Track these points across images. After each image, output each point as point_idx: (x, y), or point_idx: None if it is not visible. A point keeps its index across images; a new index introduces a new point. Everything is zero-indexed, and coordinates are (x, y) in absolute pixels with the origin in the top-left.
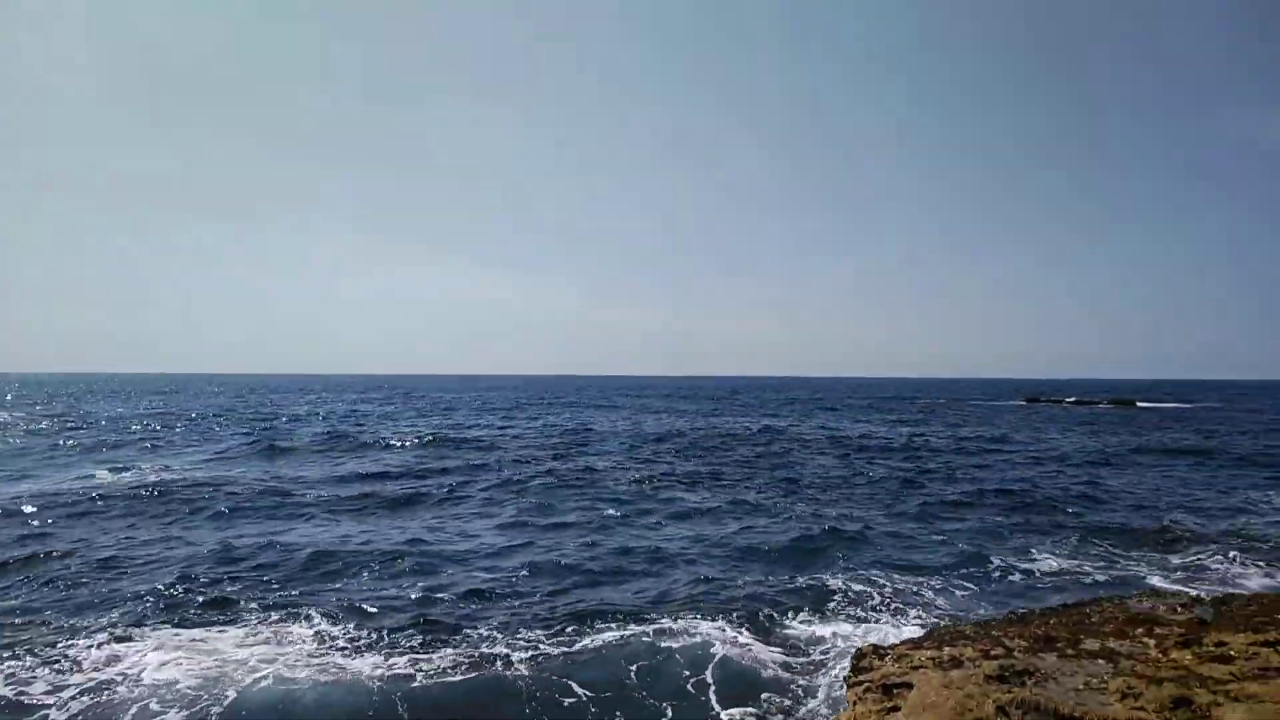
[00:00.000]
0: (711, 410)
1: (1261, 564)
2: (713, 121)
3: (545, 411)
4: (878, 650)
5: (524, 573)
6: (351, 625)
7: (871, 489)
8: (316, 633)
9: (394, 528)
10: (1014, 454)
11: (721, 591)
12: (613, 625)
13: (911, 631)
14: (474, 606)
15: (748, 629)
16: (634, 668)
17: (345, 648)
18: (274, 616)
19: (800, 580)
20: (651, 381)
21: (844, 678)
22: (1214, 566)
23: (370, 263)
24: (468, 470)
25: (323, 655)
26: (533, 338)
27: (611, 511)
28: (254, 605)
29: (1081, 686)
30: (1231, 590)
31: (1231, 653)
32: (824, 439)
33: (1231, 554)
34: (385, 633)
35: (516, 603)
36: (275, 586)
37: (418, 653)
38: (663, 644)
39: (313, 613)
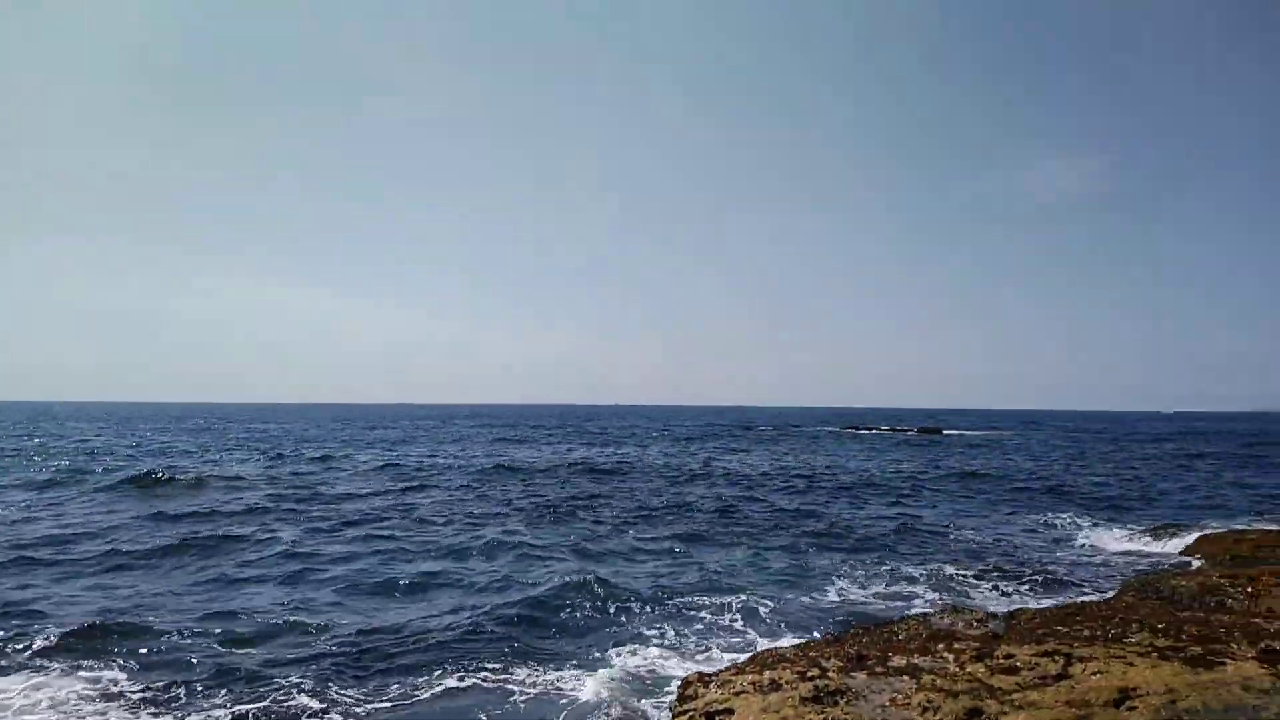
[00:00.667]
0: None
1: (1037, 579)
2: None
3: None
4: (703, 678)
5: None
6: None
7: (692, 515)
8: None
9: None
10: (824, 479)
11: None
12: (434, 673)
13: (736, 657)
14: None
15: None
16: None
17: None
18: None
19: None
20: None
21: (670, 706)
22: (996, 584)
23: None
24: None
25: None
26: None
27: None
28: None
29: (888, 703)
30: (1021, 605)
31: (1018, 664)
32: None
33: (1012, 570)
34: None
35: None
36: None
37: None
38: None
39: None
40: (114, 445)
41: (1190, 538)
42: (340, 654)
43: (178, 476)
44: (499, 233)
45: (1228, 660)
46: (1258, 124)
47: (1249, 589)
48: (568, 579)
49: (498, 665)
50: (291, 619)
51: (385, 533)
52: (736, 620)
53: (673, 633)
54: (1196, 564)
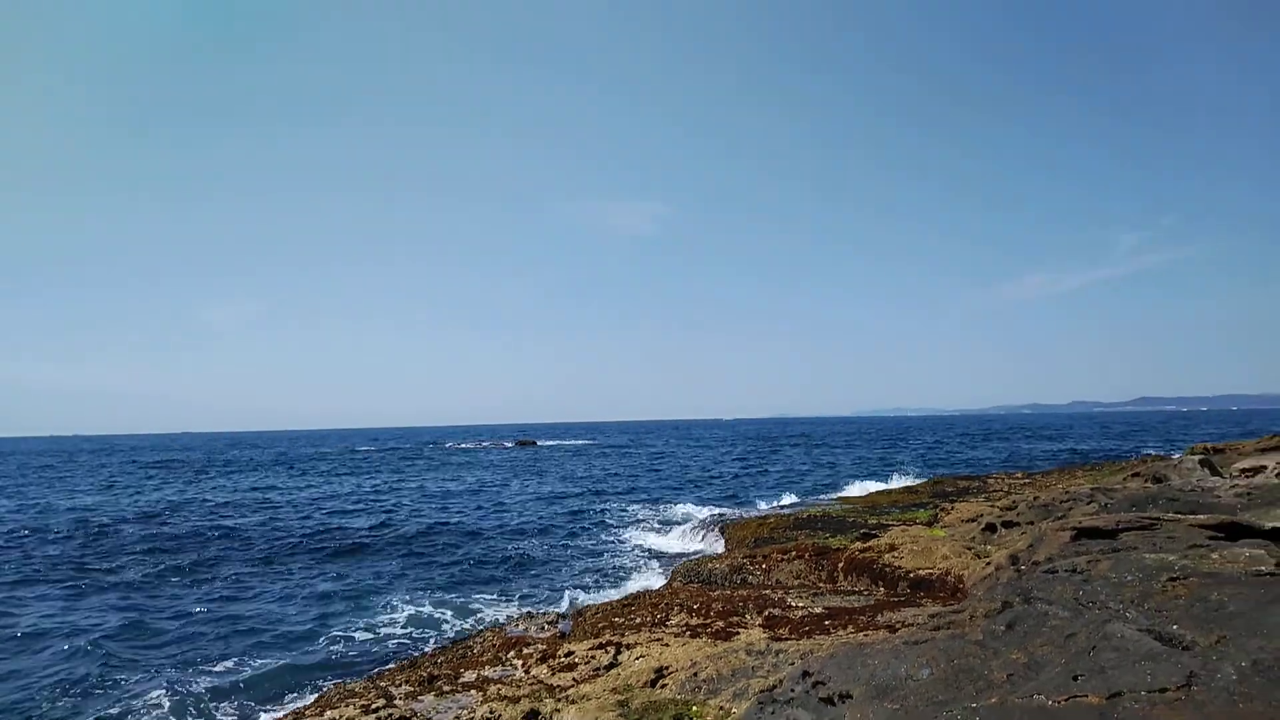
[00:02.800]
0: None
1: (608, 574)
2: None
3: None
4: None
5: None
6: None
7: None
8: None
9: None
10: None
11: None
12: None
13: (303, 702)
14: None
15: None
16: None
17: None
18: None
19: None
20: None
21: None
22: (571, 585)
23: None
24: None
25: None
26: None
27: None
28: None
29: None
30: (589, 602)
31: (576, 660)
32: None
33: (585, 568)
34: None
35: None
36: None
37: None
38: None
39: None
40: None
41: (722, 522)
42: None
43: None
44: None
45: (742, 630)
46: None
47: (764, 565)
48: None
49: None
50: None
51: None
52: (293, 659)
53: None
54: (729, 547)
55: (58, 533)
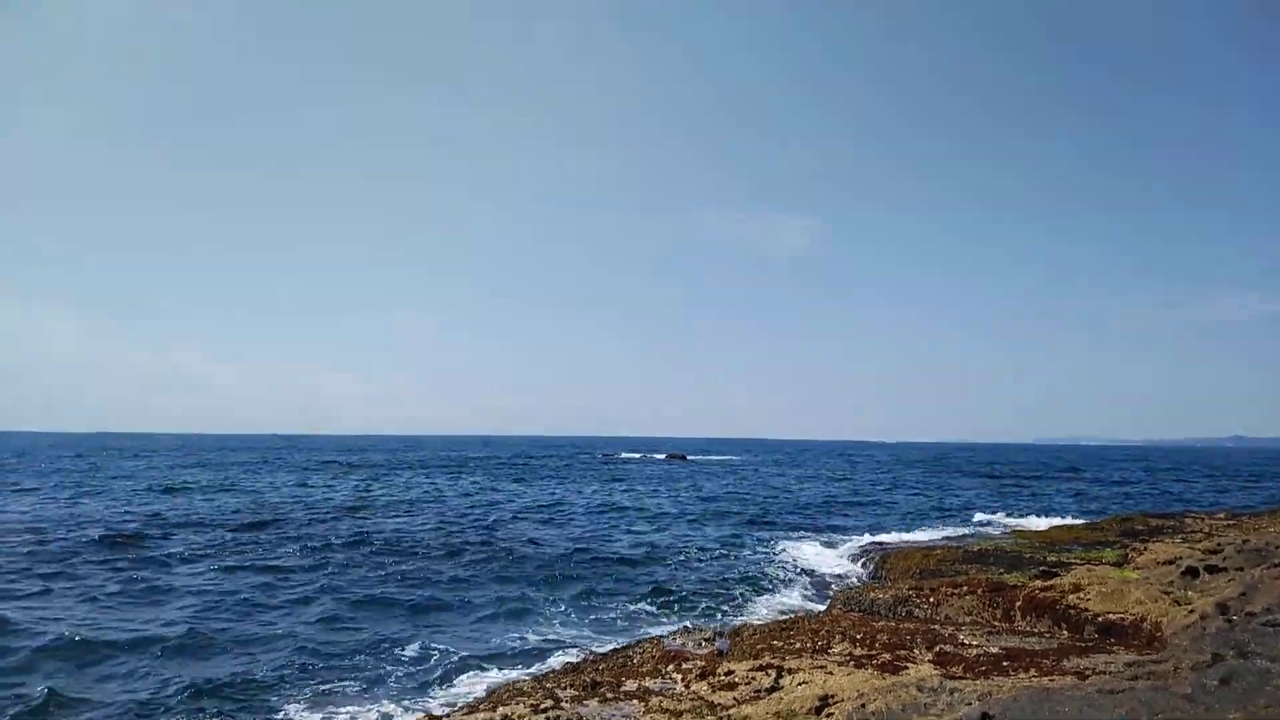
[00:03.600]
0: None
1: (760, 597)
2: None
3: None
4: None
5: None
6: None
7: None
8: None
9: None
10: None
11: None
12: None
13: (474, 694)
14: None
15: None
16: None
17: None
18: None
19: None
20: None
21: None
22: (729, 604)
23: None
24: None
25: None
26: None
27: None
28: None
29: None
30: (745, 622)
31: (736, 679)
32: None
33: (743, 589)
34: None
35: None
36: None
37: None
38: None
39: None
40: None
41: (884, 551)
42: None
43: None
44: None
45: (910, 664)
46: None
47: (931, 599)
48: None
49: None
50: None
51: None
52: (466, 655)
53: (394, 676)
54: (891, 578)
55: (278, 519)
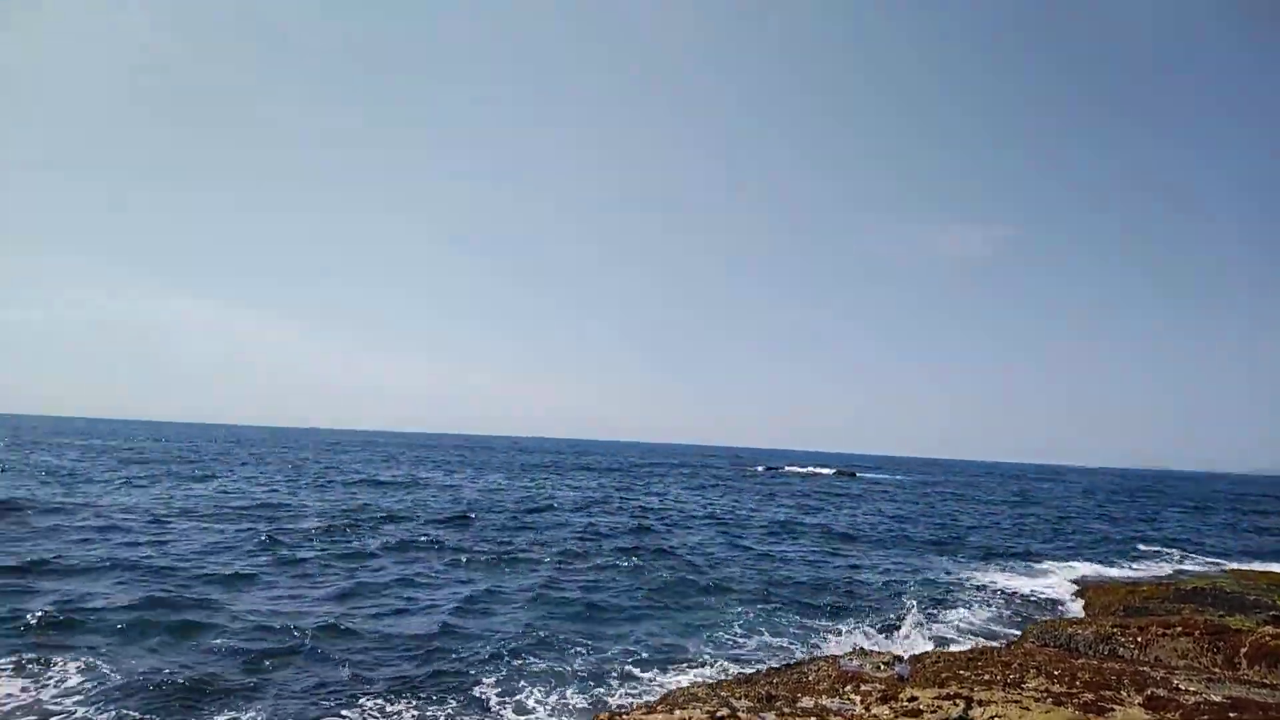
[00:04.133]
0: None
1: (944, 623)
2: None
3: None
4: (613, 718)
5: None
6: None
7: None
8: None
9: None
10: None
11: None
12: None
13: (649, 697)
14: None
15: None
16: None
17: None
18: None
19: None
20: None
21: None
22: (908, 627)
23: None
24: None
25: None
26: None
27: None
28: None
29: None
30: (926, 649)
31: (921, 706)
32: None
33: (921, 613)
34: None
35: None
36: None
37: None
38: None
39: None
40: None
41: (1081, 585)
42: None
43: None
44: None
45: (1116, 706)
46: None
47: (1139, 638)
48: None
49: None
50: None
51: None
52: (644, 657)
53: (574, 670)
54: (1091, 613)
55: (473, 515)
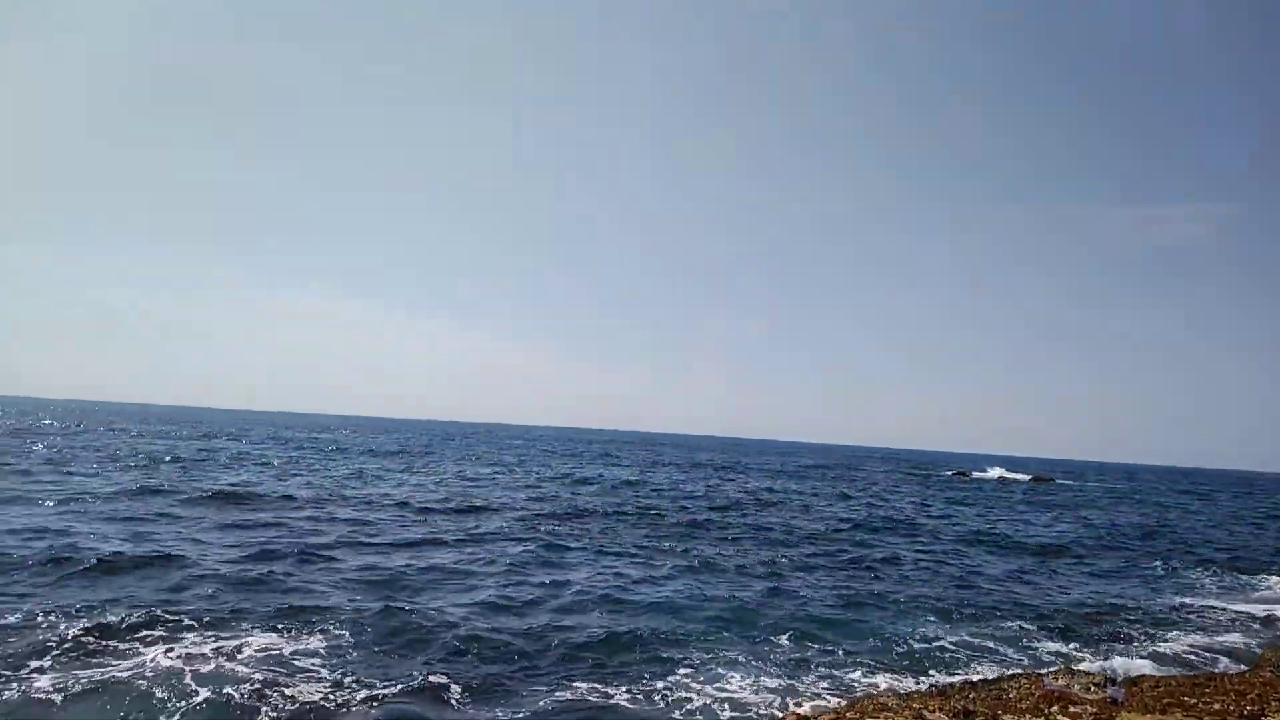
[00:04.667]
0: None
1: (1161, 644)
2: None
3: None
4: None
5: None
6: None
7: (804, 553)
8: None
9: None
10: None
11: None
12: None
13: (835, 701)
14: None
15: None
16: None
17: None
18: None
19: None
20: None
21: None
22: (1120, 646)
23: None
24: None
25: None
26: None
27: None
28: None
29: None
30: (1143, 671)
31: None
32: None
33: (1134, 631)
34: None
35: None
36: None
37: None
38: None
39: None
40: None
41: None
42: None
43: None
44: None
45: None
46: None
47: None
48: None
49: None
50: None
51: None
52: (830, 657)
53: (758, 664)
54: None
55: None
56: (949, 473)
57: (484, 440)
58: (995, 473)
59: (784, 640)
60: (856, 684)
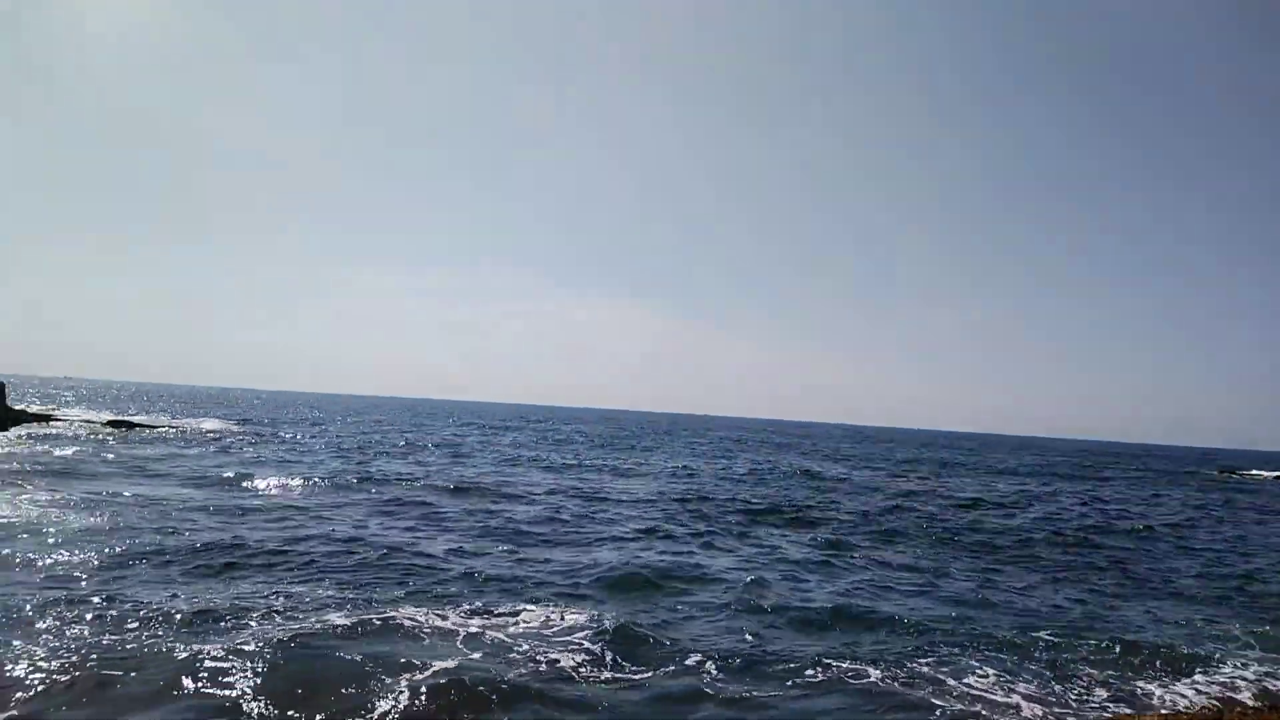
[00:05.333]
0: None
1: None
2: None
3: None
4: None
5: None
6: None
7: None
8: None
9: None
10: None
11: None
12: None
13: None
14: None
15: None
16: None
17: None
18: None
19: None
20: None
21: None
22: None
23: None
24: None
25: None
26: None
27: None
28: None
29: None
30: None
31: None
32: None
33: None
34: None
35: None
36: None
37: None
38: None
39: None
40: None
41: None
42: None
43: None
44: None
45: None
46: None
47: None
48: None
49: None
50: None
51: None
52: (1128, 671)
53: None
54: None
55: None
56: (1215, 472)
57: (697, 434)
58: (1268, 474)
59: (1039, 633)
60: (1149, 689)
